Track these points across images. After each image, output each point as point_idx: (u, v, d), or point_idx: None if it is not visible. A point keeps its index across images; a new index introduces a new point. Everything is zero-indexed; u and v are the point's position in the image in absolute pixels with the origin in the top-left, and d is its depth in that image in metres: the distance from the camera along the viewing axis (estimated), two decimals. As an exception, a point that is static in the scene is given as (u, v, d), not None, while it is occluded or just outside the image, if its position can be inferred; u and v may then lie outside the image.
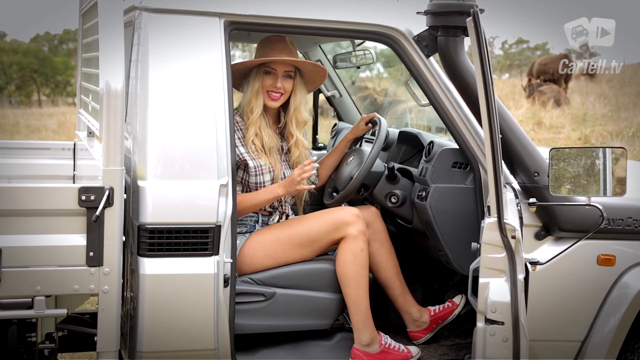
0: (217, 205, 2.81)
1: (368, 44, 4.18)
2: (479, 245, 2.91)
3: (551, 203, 3.02)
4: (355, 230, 3.15)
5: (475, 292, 2.92)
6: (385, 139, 3.47)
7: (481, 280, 2.90)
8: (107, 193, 2.59)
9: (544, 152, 3.09)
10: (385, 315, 3.54)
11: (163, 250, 2.76)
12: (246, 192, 3.24)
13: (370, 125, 3.61)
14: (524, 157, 3.05)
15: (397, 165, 3.59)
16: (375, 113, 3.60)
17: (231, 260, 2.86)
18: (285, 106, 3.38)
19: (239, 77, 3.29)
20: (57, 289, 2.63)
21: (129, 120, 2.92)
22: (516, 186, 3.10)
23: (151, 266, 2.76)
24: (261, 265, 3.14)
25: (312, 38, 4.22)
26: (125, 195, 2.67)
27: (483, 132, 2.85)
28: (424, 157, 3.39)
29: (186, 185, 2.81)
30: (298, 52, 3.77)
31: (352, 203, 3.64)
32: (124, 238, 2.68)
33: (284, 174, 3.31)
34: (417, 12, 3.03)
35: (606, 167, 2.93)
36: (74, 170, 3.96)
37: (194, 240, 2.79)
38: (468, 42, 2.92)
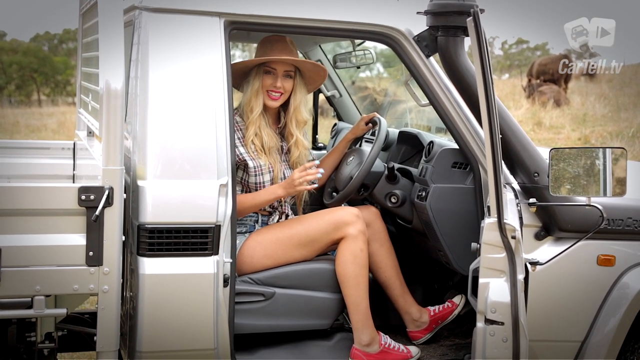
0: (216, 205, 2.81)
1: (368, 44, 4.18)
2: (478, 245, 2.91)
3: (551, 203, 3.02)
4: (355, 230, 3.14)
5: (475, 292, 2.92)
6: (385, 139, 3.47)
7: (481, 280, 2.90)
8: (106, 193, 2.59)
9: (544, 153, 3.09)
10: (385, 315, 3.54)
11: (163, 250, 2.76)
12: (246, 192, 3.24)
13: (370, 125, 3.60)
14: (524, 157, 3.05)
15: (397, 165, 3.59)
16: (375, 113, 3.60)
17: (231, 260, 2.86)
18: (285, 106, 3.37)
19: (239, 76, 3.29)
20: (57, 288, 2.63)
21: (129, 120, 2.92)
22: (516, 186, 3.10)
23: (151, 266, 2.76)
24: (261, 265, 3.14)
25: (312, 38, 4.22)
26: (125, 195, 2.67)
27: (483, 132, 2.85)
28: (423, 157, 3.39)
29: (186, 185, 2.80)
30: (298, 52, 3.76)
31: (352, 203, 3.64)
32: (123, 238, 2.68)
33: (283, 174, 3.30)
34: (417, 12, 3.03)
35: (606, 167, 2.93)
36: (74, 169, 3.96)
37: (193, 240, 2.78)
38: (468, 42, 2.92)
